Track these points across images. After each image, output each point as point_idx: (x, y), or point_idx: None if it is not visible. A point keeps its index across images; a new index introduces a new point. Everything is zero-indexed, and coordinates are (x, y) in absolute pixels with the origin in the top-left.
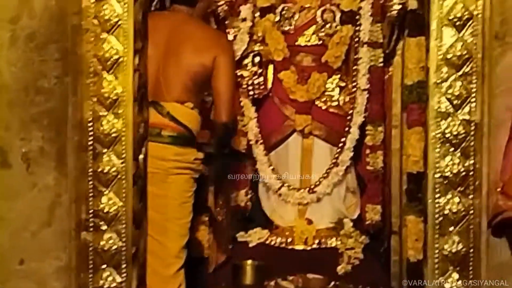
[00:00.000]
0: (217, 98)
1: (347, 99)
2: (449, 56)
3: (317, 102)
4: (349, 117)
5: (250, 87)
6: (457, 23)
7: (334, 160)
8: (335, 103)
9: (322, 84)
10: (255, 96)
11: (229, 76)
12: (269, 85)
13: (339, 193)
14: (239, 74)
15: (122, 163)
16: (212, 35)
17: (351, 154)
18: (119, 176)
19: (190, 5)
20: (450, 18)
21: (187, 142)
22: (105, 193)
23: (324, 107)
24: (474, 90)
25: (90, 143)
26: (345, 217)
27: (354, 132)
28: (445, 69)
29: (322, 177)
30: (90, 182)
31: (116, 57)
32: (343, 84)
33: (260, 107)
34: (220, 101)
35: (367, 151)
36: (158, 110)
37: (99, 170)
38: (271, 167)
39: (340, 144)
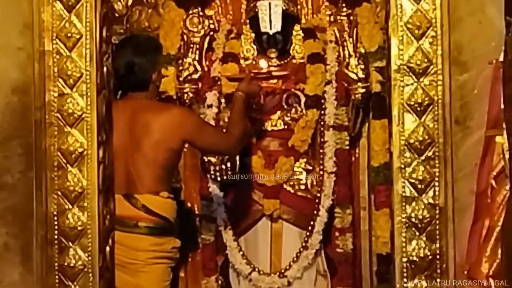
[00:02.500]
0: (216, 153)
1: (315, 182)
2: (411, 141)
3: (285, 186)
4: (317, 200)
5: (218, 173)
6: (418, 109)
7: (303, 244)
8: (303, 187)
9: (290, 168)
10: (223, 181)
11: (207, 134)
12: (237, 170)
13: (310, 276)
14: (206, 160)
15: (88, 256)
16: (171, 117)
17: (321, 237)
18: (85, 270)
19: (143, 90)
20: (411, 103)
21: (165, 231)
22: (72, 287)
23: (292, 191)
24: (437, 174)
25: (55, 237)
26: None
27: (323, 215)
28: (408, 154)
29: (292, 261)
30: (57, 277)
31: (80, 150)
32: (310, 168)
33: (228, 192)
34: (220, 152)
35: (336, 234)
36: (132, 203)
37: (65, 264)
38: (241, 252)
39: (309, 228)
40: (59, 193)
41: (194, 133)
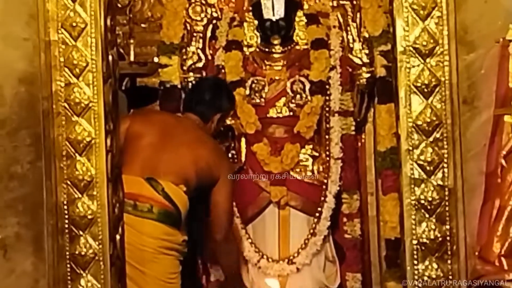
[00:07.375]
0: (215, 216)
1: (321, 168)
2: (419, 122)
3: (291, 173)
4: (324, 187)
5: None
6: (425, 90)
7: (311, 230)
8: (309, 173)
9: (296, 155)
10: None
11: (230, 201)
12: (243, 158)
13: (319, 263)
14: None
15: (99, 244)
16: (221, 153)
17: (328, 223)
18: (96, 258)
19: (202, 119)
20: (418, 85)
21: (175, 222)
22: (83, 276)
23: (299, 178)
24: (445, 155)
25: (66, 226)
26: (325, 286)
27: (330, 201)
28: (415, 135)
29: (301, 248)
30: (68, 266)
31: (88, 139)
32: (316, 154)
33: (234, 180)
34: (219, 219)
35: (344, 220)
36: (153, 185)
37: (77, 253)
38: (249, 240)
39: (317, 214)
40: (69, 182)
41: (227, 183)
